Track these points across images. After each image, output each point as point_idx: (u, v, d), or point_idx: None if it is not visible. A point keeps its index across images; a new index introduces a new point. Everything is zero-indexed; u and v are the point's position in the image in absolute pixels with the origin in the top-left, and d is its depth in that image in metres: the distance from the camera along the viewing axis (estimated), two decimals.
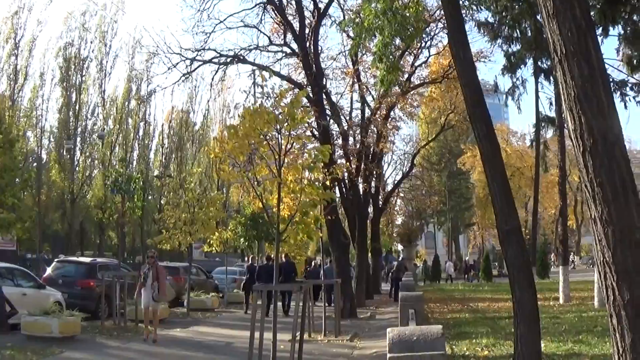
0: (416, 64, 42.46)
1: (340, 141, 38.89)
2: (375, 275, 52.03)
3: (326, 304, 26.48)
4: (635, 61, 22.16)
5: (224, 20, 34.03)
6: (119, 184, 29.96)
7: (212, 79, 36.16)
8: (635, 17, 20.96)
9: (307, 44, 32.79)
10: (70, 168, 71.06)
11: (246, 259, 59.42)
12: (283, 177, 13.77)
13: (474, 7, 22.31)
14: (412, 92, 42.92)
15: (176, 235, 29.88)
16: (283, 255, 30.28)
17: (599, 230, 7.41)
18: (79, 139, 72.64)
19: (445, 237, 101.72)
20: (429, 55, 42.86)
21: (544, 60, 28.18)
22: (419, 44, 37.31)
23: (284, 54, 36.61)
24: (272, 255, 23.72)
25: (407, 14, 16.77)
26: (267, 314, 15.52)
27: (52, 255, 61.30)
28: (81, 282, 26.70)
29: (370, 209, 49.87)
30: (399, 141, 68.05)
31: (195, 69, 34.69)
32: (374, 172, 44.37)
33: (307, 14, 34.28)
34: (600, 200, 7.38)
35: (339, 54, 42.43)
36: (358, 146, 40.04)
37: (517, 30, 23.89)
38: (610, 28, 20.72)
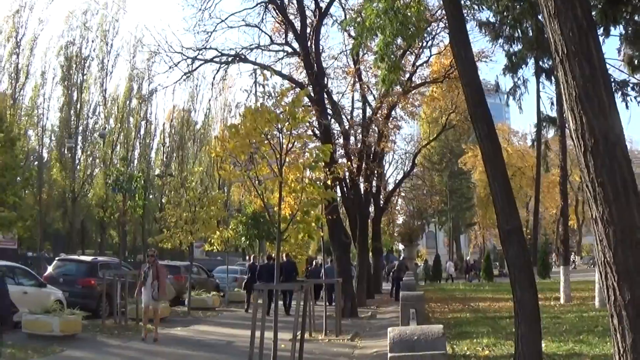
0: (417, 64, 42.47)
1: (341, 140, 38.87)
2: (376, 274, 52.07)
3: (327, 303, 26.48)
4: (636, 61, 22.16)
5: (226, 19, 34.12)
6: (120, 182, 29.95)
7: (214, 78, 36.33)
8: (636, 17, 20.96)
9: (309, 43, 32.76)
10: (72, 167, 71.17)
11: (247, 258, 59.49)
12: (284, 176, 13.78)
13: (476, 7, 22.31)
14: (413, 92, 42.90)
15: (177, 234, 29.87)
16: (284, 255, 30.27)
17: (600, 230, 7.42)
18: (80, 137, 72.74)
19: (446, 236, 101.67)
20: (430, 55, 42.88)
21: (545, 60, 28.19)
22: (420, 44, 37.30)
23: (285, 53, 36.60)
24: (273, 255, 23.73)
25: (409, 14, 16.78)
26: (268, 313, 15.52)
27: (53, 253, 61.23)
28: (82, 281, 26.70)
29: (372, 209, 49.83)
30: (400, 141, 67.94)
31: (197, 68, 34.73)
32: (375, 172, 44.34)
33: (308, 13, 34.27)
34: (601, 200, 7.39)
35: (340, 53, 42.42)
36: (359, 145, 39.99)
37: (519, 30, 23.89)
38: (612, 28, 20.71)
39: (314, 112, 29.60)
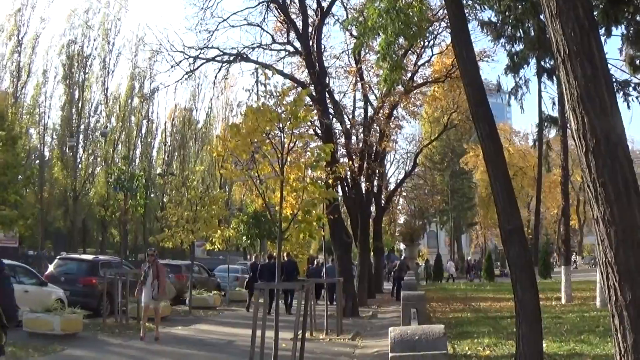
0: (419, 63, 42.47)
1: (343, 140, 38.91)
2: (378, 274, 52.07)
3: (328, 303, 26.48)
4: (637, 61, 22.15)
5: (227, 18, 34.20)
6: (121, 181, 29.99)
7: (215, 77, 36.37)
8: (638, 17, 20.94)
9: (310, 42, 32.76)
10: (73, 165, 71.10)
11: (248, 257, 59.44)
12: (285, 175, 13.78)
13: (477, 7, 22.34)
14: (415, 91, 42.89)
15: (178, 233, 29.87)
16: (285, 254, 30.27)
17: (602, 230, 7.41)
18: (81, 136, 72.64)
19: (447, 236, 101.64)
20: (432, 55, 42.88)
21: (547, 60, 28.14)
22: (422, 43, 37.30)
23: (287, 53, 36.64)
24: (275, 254, 23.76)
25: (411, 13, 16.79)
26: (269, 312, 15.52)
27: (54, 252, 61.27)
28: (83, 280, 26.73)
29: (373, 208, 49.86)
30: (402, 140, 67.90)
31: (199, 67, 34.81)
32: (377, 171, 44.32)
33: (310, 12, 34.26)
34: (602, 200, 7.39)
35: (342, 52, 42.42)
36: (361, 145, 40.02)
37: (520, 30, 23.88)
38: (613, 28, 20.70)
39: (315, 111, 29.60)
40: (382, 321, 28.09)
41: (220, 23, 33.69)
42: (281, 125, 13.72)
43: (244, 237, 36.94)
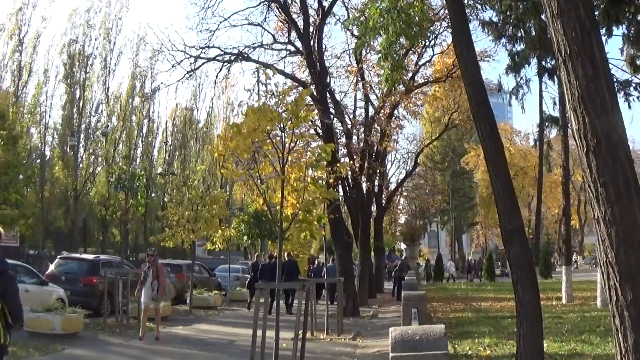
0: (420, 63, 42.43)
1: (343, 140, 38.90)
2: (378, 273, 52.07)
3: (329, 303, 26.47)
4: (638, 61, 22.17)
5: (228, 18, 34.15)
6: (122, 181, 30.02)
7: (216, 76, 36.18)
8: (639, 17, 20.96)
9: (311, 42, 32.77)
10: (74, 165, 71.12)
11: (249, 257, 59.41)
12: (286, 175, 13.77)
13: (479, 6, 22.38)
14: (416, 91, 42.85)
15: (179, 232, 29.88)
16: (286, 254, 30.26)
17: (602, 230, 7.42)
18: (82, 135, 72.65)
19: (448, 236, 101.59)
20: (433, 54, 42.84)
21: (548, 60, 28.20)
22: (423, 43, 37.26)
23: (288, 52, 36.65)
24: (275, 254, 23.76)
25: (412, 13, 16.79)
26: (269, 312, 15.52)
27: (55, 251, 61.31)
28: (84, 279, 26.71)
29: (374, 208, 49.86)
30: (403, 140, 68.00)
31: (200, 66, 34.80)
32: (378, 171, 44.31)
33: (311, 12, 34.30)
34: (603, 200, 7.39)
35: (343, 52, 42.39)
36: (362, 145, 40.01)
37: (521, 30, 23.91)
38: (614, 28, 20.74)
39: (316, 111, 29.60)
40: (382, 321, 28.09)
41: (221, 22, 33.72)
42: (282, 125, 13.72)
43: (245, 237, 37.04)
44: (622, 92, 22.95)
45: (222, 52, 34.12)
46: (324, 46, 35.27)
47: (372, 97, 43.88)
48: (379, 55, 18.55)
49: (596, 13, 17.10)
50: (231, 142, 13.93)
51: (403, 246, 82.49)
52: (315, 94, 31.14)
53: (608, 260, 7.37)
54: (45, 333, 18.82)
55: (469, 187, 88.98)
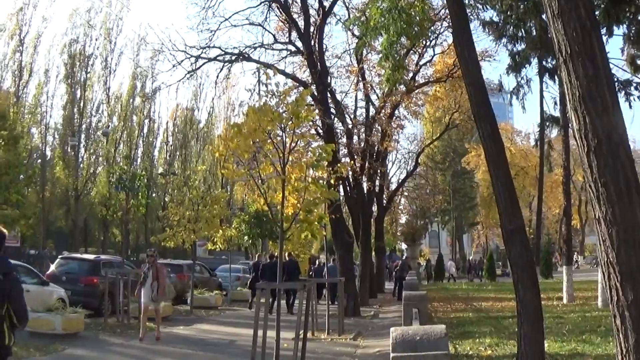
0: (421, 63, 42.46)
1: (344, 140, 38.91)
2: (379, 273, 52.05)
3: (330, 303, 26.47)
4: (639, 61, 22.17)
5: (229, 18, 34.15)
6: (123, 181, 30.02)
7: (217, 76, 36.14)
8: (639, 17, 20.96)
9: (312, 42, 32.79)
10: (75, 165, 71.14)
11: (250, 256, 59.34)
12: (287, 175, 13.77)
13: (479, 6, 22.38)
14: (416, 91, 42.84)
15: (180, 232, 29.89)
16: (286, 254, 30.25)
17: (603, 230, 7.41)
18: (83, 135, 72.68)
19: (449, 236, 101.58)
20: (434, 54, 42.89)
21: (548, 60, 28.25)
22: (423, 43, 37.25)
23: (288, 52, 36.66)
24: (276, 254, 23.76)
25: (413, 13, 16.79)
26: (270, 312, 15.52)
27: (55, 251, 61.34)
28: (85, 279, 26.71)
29: (375, 208, 49.90)
30: (404, 140, 68.19)
31: (200, 66, 34.79)
32: (378, 171, 44.31)
33: (312, 12, 34.31)
34: (604, 200, 7.39)
35: (344, 52, 42.41)
36: (362, 145, 40.02)
37: (522, 30, 23.94)
38: (615, 28, 20.75)
39: (317, 111, 29.60)
40: (383, 321, 28.09)
41: (222, 22, 33.72)
42: (283, 125, 13.72)
43: (246, 237, 37.00)
44: (623, 92, 22.98)
45: (223, 52, 34.15)
46: (324, 46, 35.35)
47: (373, 97, 43.95)
48: (380, 55, 18.57)
49: (597, 13, 17.09)
50: (232, 142, 13.93)
51: (404, 246, 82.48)
52: (316, 94, 31.15)
53: (609, 260, 7.36)
54: (46, 333, 18.81)
55: (470, 187, 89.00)
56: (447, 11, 24.46)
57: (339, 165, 18.04)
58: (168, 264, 34.54)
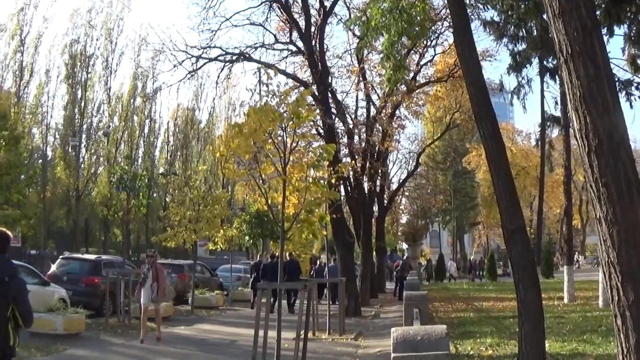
0: (422, 63, 42.52)
1: (345, 140, 38.91)
2: (380, 273, 52.05)
3: (330, 303, 26.49)
4: (639, 61, 22.16)
5: (230, 18, 34.16)
6: (124, 181, 30.07)
7: (218, 76, 36.19)
8: None
9: (313, 42, 32.81)
10: (76, 165, 71.12)
11: (251, 257, 59.27)
12: (288, 175, 13.76)
13: (480, 6, 22.36)
14: (417, 91, 42.88)
15: (181, 232, 29.89)
16: (287, 254, 30.25)
17: (604, 230, 7.41)
18: (84, 136, 72.65)
19: (450, 236, 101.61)
20: (435, 54, 42.93)
21: (549, 60, 28.23)
22: (424, 43, 37.26)
23: (289, 52, 36.68)
24: (277, 254, 23.78)
25: (414, 13, 16.79)
26: (271, 311, 15.52)
27: (56, 252, 61.38)
28: (86, 280, 26.72)
29: (375, 208, 49.92)
30: (404, 140, 68.22)
31: (201, 66, 34.81)
32: (379, 171, 44.34)
33: (312, 12, 34.33)
34: (605, 200, 7.38)
35: (345, 52, 42.42)
36: (363, 145, 40.05)
37: (523, 30, 23.92)
38: (616, 28, 20.73)
39: (318, 111, 29.61)
40: (384, 321, 28.08)
41: (222, 22, 33.74)
42: (284, 125, 13.72)
43: (247, 237, 36.96)
44: (624, 92, 22.96)
45: (224, 52, 34.17)
46: (325, 46, 35.38)
47: (374, 97, 43.96)
48: (382, 55, 18.56)
49: (597, 13, 17.07)
50: (233, 142, 13.92)
51: (405, 246, 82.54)
52: (316, 94, 31.16)
53: (610, 260, 7.36)
54: (47, 333, 18.79)
55: (471, 187, 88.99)
56: (447, 11, 24.47)
57: (339, 165, 18.04)
58: (169, 264, 34.58)
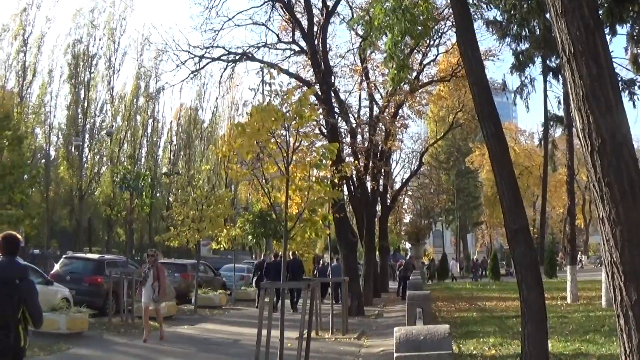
0: (425, 62, 42.53)
1: (348, 139, 38.93)
2: (383, 273, 52.04)
3: (334, 302, 26.49)
4: None
5: (233, 17, 34.21)
6: (127, 181, 30.02)
7: (221, 76, 36.22)
8: None
9: (316, 41, 32.80)
10: (79, 165, 71.09)
11: (254, 256, 59.24)
12: (291, 174, 13.77)
13: (483, 6, 22.30)
14: (420, 90, 42.90)
15: (184, 232, 29.90)
16: (290, 253, 30.25)
17: (607, 230, 7.39)
18: (87, 135, 72.60)
19: (453, 235, 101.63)
20: (438, 54, 42.99)
21: (552, 59, 28.13)
22: (427, 42, 37.27)
23: (292, 52, 36.69)
24: (281, 253, 23.80)
25: (417, 12, 16.79)
26: (274, 310, 15.52)
27: (60, 251, 61.36)
28: (89, 279, 26.73)
29: (378, 207, 49.91)
30: (407, 139, 68.18)
31: (204, 66, 34.85)
32: (382, 170, 44.38)
33: (315, 11, 34.37)
34: (608, 199, 7.37)
35: (348, 51, 42.50)
36: (366, 144, 40.05)
37: (526, 29, 23.85)
38: (618, 27, 20.68)
39: (321, 110, 29.61)
40: (387, 320, 28.10)
41: (225, 22, 33.78)
42: (286, 125, 13.72)
43: (250, 236, 36.98)
44: (627, 91, 22.89)
45: (227, 52, 34.20)
46: (328, 45, 35.34)
47: (377, 97, 43.99)
48: (385, 55, 18.57)
49: (600, 12, 17.07)
50: (236, 142, 13.93)
51: (408, 245, 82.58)
52: (319, 93, 31.14)
53: (612, 260, 7.34)
54: (50, 332, 18.79)
55: (474, 186, 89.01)
56: (450, 10, 24.46)
57: (342, 164, 18.08)
58: (172, 264, 34.63)
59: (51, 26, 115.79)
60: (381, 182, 46.69)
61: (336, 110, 34.77)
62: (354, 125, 39.72)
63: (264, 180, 14.60)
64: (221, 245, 34.49)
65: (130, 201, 34.43)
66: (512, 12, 22.91)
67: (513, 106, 51.03)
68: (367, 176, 41.26)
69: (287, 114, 13.81)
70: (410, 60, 31.41)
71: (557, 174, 69.78)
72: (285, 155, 13.56)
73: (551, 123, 39.21)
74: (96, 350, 17.77)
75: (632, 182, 7.32)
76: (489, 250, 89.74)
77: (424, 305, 14.71)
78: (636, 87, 23.12)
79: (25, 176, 52.57)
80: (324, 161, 14.31)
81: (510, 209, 12.65)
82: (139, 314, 23.50)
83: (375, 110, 43.10)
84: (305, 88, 25.93)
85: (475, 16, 21.77)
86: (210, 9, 32.88)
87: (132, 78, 77.69)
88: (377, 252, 48.31)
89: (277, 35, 36.85)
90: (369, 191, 42.98)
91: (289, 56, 37.20)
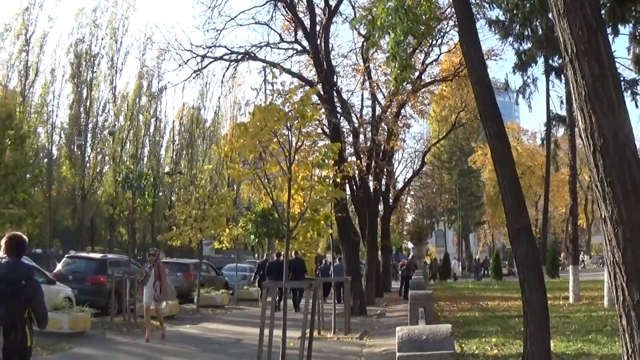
0: (427, 62, 42.48)
1: (350, 139, 38.87)
2: (386, 273, 52.03)
3: (336, 302, 26.47)
4: None
5: (235, 17, 34.19)
6: (129, 180, 30.02)
7: (223, 75, 36.35)
8: None
9: (318, 41, 32.76)
10: (81, 164, 71.20)
11: (256, 255, 59.19)
12: (293, 174, 13.76)
13: (485, 5, 22.31)
14: (423, 90, 42.84)
15: (186, 231, 29.88)
16: (293, 253, 30.25)
17: (609, 230, 7.39)
18: (89, 135, 72.68)
19: (455, 235, 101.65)
20: (440, 53, 42.89)
21: (555, 59, 28.14)
22: (430, 42, 37.25)
23: (294, 51, 36.63)
24: (283, 252, 23.79)
25: (419, 12, 16.79)
26: (277, 309, 15.51)
27: (62, 251, 61.42)
28: (91, 278, 26.74)
29: (381, 207, 49.87)
30: (410, 139, 68.04)
31: (206, 65, 34.76)
32: (385, 170, 44.29)
33: (317, 11, 34.26)
34: (610, 199, 7.37)
35: (350, 51, 42.44)
36: (369, 144, 40.00)
37: (528, 29, 23.86)
38: (621, 27, 20.67)
39: (323, 110, 29.61)
40: (390, 320, 28.08)
41: (227, 22, 33.77)
42: (289, 124, 13.71)
43: (252, 236, 36.99)
44: (629, 91, 22.91)
45: (229, 51, 34.17)
46: (330, 45, 35.29)
47: (379, 96, 43.88)
48: (387, 55, 18.57)
49: (602, 12, 17.07)
50: (238, 141, 13.93)
51: (410, 245, 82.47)
52: (322, 92, 31.13)
53: (615, 260, 7.35)
54: (53, 332, 18.76)
55: (476, 186, 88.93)
56: (453, 10, 24.45)
57: (345, 164, 18.06)
58: (175, 263, 34.66)
59: (53, 25, 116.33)
60: (383, 181, 46.60)
61: (338, 109, 34.76)
62: (356, 125, 39.71)
63: (266, 180, 14.60)
64: (223, 245, 34.47)
65: (132, 200, 34.43)
66: (515, 11, 22.92)
67: (515, 106, 50.88)
68: (370, 176, 41.25)
69: (290, 113, 13.79)
70: (412, 59, 31.40)
71: (560, 173, 69.73)
72: (287, 154, 13.56)
73: (553, 123, 39.22)
74: (98, 350, 17.77)
75: (635, 182, 7.32)
76: (492, 250, 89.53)
77: (427, 304, 14.71)
78: (638, 87, 23.13)
79: (28, 175, 52.68)
80: (326, 161, 14.30)
81: (512, 209, 12.65)
82: (141, 314, 23.55)
83: (378, 109, 43.05)
84: (307, 87, 25.90)
85: (477, 16, 21.77)
86: (213, 8, 32.89)
87: (135, 77, 77.97)
88: (380, 252, 48.36)
89: (280, 35, 36.85)
90: (372, 191, 42.98)
91: (292, 56, 37.21)
